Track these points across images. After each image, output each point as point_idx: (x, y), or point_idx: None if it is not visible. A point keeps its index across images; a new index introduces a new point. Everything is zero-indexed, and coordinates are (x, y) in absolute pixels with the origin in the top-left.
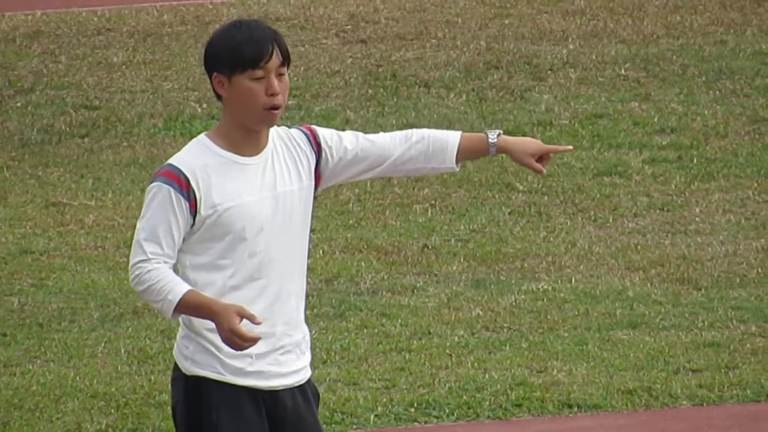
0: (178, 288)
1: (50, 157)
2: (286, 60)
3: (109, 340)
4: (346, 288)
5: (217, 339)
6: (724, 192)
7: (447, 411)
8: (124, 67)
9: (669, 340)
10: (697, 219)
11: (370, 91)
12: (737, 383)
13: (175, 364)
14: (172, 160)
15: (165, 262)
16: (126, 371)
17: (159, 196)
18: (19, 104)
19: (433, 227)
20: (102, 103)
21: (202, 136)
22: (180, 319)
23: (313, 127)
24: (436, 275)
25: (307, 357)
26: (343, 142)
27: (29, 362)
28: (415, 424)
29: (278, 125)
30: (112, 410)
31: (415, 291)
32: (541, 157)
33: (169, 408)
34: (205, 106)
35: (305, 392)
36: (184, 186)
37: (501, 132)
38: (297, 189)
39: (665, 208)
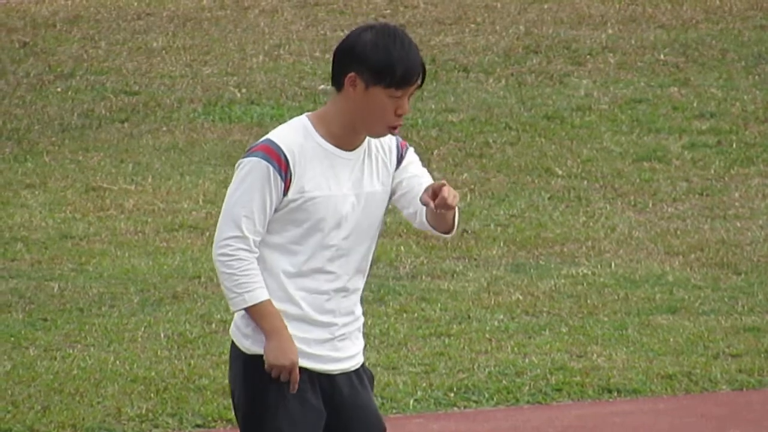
0: (258, 293)
1: (90, 142)
2: (422, 84)
3: (148, 325)
4: (386, 272)
5: None
6: (764, 176)
7: (486, 395)
8: (163, 52)
9: (709, 324)
10: (736, 203)
11: None
12: None
13: (233, 343)
14: (272, 136)
15: (255, 246)
16: (166, 356)
17: (257, 171)
18: (59, 89)
19: (472, 212)
20: (141, 88)
21: (305, 118)
22: None
23: (407, 144)
24: (475, 260)
25: (362, 342)
26: (413, 189)
27: (69, 347)
28: (455, 408)
29: None
30: (152, 395)
31: (455, 275)
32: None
33: (209, 392)
34: (244, 90)
35: (360, 376)
36: (283, 166)
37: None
38: (380, 191)
39: (704, 193)
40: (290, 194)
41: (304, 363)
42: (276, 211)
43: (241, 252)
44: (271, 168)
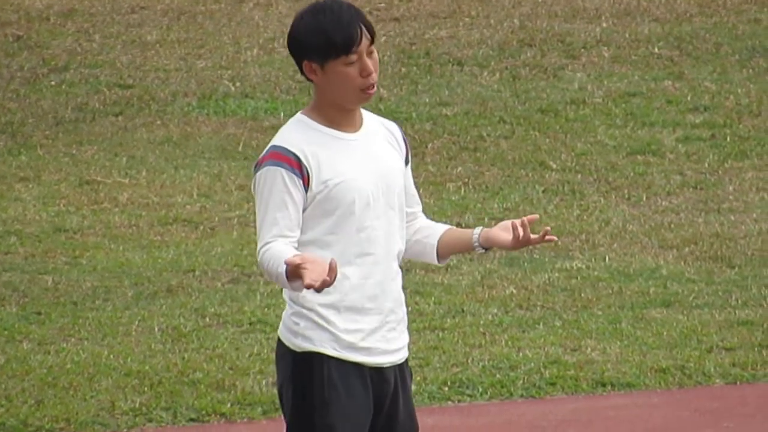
0: (284, 256)
1: (84, 136)
2: (373, 37)
3: (143, 319)
4: None
5: (330, 314)
6: (758, 170)
7: (480, 389)
8: (157, 45)
9: (702, 318)
10: (730, 197)
11: (403, 69)
12: None
13: (279, 342)
14: (275, 142)
15: (284, 237)
16: (160, 349)
17: (271, 179)
18: (53, 83)
19: (466, 205)
20: (136, 82)
21: (299, 115)
22: (287, 296)
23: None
24: (469, 253)
25: (407, 335)
26: (410, 188)
27: (63, 340)
28: (449, 402)
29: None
30: (146, 389)
31: (449, 269)
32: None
33: (203, 386)
34: (238, 84)
35: (403, 371)
36: (295, 165)
37: (482, 228)
38: (395, 168)
39: (699, 187)
40: (314, 188)
41: (357, 357)
42: (305, 209)
43: (266, 248)
44: (283, 170)
